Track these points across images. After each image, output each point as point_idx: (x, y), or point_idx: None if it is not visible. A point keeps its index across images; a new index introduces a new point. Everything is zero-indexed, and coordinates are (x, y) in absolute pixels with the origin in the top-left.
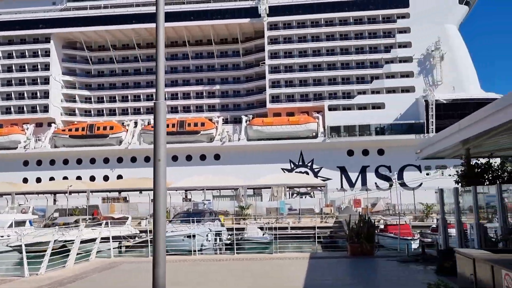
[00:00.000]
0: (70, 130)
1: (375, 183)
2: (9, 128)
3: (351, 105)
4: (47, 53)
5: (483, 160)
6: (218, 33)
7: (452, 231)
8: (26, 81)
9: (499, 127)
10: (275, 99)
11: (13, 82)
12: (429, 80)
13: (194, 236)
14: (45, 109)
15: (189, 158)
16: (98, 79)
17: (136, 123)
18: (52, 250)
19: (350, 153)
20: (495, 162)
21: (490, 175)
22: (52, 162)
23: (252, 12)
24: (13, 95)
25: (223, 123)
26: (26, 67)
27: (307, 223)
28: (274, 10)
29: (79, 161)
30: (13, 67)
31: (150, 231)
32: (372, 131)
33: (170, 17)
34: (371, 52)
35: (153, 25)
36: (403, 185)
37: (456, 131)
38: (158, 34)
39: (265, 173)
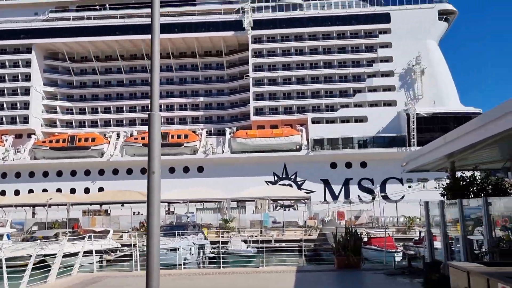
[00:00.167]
0: (50, 141)
1: (358, 195)
2: None
3: (334, 118)
4: (28, 64)
5: (467, 173)
6: (202, 46)
7: (437, 244)
8: (5, 91)
9: (483, 141)
10: (259, 111)
11: None
12: (410, 94)
13: (177, 249)
14: (25, 120)
15: (172, 170)
16: (80, 90)
17: (118, 134)
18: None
19: (333, 165)
20: (479, 175)
21: (475, 188)
22: (32, 174)
23: (236, 25)
24: None
25: (206, 136)
26: (6, 77)
27: (291, 235)
28: (258, 24)
29: (59, 173)
30: None
31: (134, 245)
32: (355, 144)
33: None
34: (354, 66)
35: (137, 36)
36: (385, 197)
37: (442, 145)
38: (153, 46)
39: (248, 185)
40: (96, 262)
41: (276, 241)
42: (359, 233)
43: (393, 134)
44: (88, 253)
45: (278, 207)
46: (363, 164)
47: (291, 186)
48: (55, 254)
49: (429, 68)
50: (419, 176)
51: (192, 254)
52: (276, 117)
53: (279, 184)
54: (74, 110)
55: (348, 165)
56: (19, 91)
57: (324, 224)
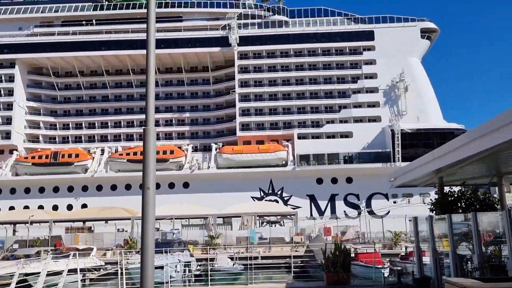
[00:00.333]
0: (33, 157)
1: (344, 211)
2: None
3: (320, 133)
4: (11, 79)
5: (455, 188)
6: (189, 61)
7: (426, 259)
8: None
9: (471, 157)
10: (245, 127)
11: None
12: (395, 110)
13: (163, 267)
14: (7, 135)
15: (157, 186)
16: (64, 105)
17: (103, 150)
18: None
19: (320, 181)
20: (467, 190)
21: (463, 203)
22: (13, 191)
23: (222, 41)
24: None
25: (192, 151)
26: None
27: (277, 252)
28: (245, 40)
29: (41, 190)
30: None
31: (117, 263)
32: (340, 159)
33: (141, 44)
34: (339, 82)
35: (122, 51)
36: (371, 213)
37: (430, 160)
38: (148, 61)
39: (235, 201)
40: (80, 280)
41: (263, 257)
42: (348, 248)
43: (378, 149)
44: (71, 271)
45: (265, 223)
46: (349, 180)
47: (277, 201)
48: (37, 273)
49: (412, 85)
50: (404, 191)
51: (178, 272)
52: (262, 133)
53: (265, 200)
54: (57, 126)
55: (334, 180)
56: (1, 106)
57: (311, 240)
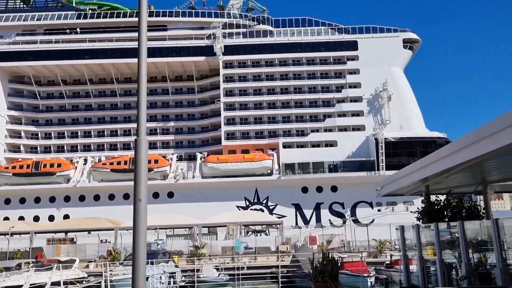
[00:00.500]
0: (13, 167)
1: (329, 220)
2: None
3: (305, 142)
4: None
5: (442, 197)
6: (173, 70)
7: (412, 268)
8: None
9: (457, 166)
10: (230, 136)
11: None
12: (378, 119)
13: (148, 278)
14: None
15: None
16: (46, 114)
17: (85, 160)
18: None
19: (305, 190)
20: (453, 199)
21: (449, 212)
22: None
23: (207, 51)
24: None
25: (177, 160)
26: None
27: (263, 261)
28: (230, 49)
29: (22, 200)
30: None
31: (100, 274)
32: (325, 168)
33: (125, 53)
34: (323, 92)
35: (106, 60)
36: (356, 221)
37: (417, 169)
38: (140, 71)
39: (220, 211)
40: None
41: (249, 267)
42: (335, 258)
43: (363, 158)
44: (54, 284)
45: (250, 233)
46: (334, 188)
47: (262, 211)
48: (19, 286)
49: (395, 94)
50: (388, 199)
51: (163, 283)
52: (247, 142)
53: (251, 209)
54: (39, 135)
55: (319, 189)
56: None
57: (297, 249)
